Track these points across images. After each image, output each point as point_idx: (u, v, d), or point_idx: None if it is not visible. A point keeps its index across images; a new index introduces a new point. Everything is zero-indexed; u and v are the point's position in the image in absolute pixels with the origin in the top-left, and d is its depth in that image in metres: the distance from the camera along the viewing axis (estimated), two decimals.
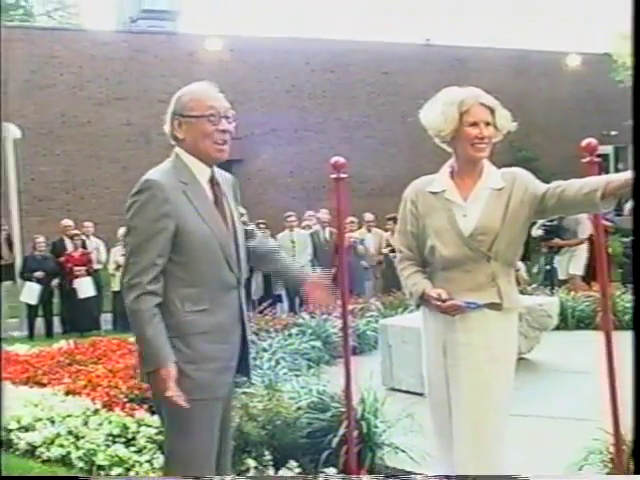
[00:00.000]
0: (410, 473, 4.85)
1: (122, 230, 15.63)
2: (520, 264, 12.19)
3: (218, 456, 3.67)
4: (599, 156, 4.42)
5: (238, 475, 4.93)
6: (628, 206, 14.12)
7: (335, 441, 5.10)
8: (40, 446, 6.19)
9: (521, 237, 3.95)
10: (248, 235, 3.88)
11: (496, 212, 3.87)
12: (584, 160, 4.26)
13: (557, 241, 13.10)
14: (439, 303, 3.79)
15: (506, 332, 3.88)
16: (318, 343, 8.48)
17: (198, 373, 3.48)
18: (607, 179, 3.65)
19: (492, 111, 3.87)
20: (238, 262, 3.58)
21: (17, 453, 6.27)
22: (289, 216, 15.60)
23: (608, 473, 4.52)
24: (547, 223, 12.57)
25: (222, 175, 3.76)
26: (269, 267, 4.08)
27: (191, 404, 3.42)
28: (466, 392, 3.83)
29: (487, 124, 3.86)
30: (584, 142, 4.27)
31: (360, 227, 15.55)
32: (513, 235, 3.89)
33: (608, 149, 27.22)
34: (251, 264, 3.91)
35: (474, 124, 3.86)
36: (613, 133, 24.05)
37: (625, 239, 15.00)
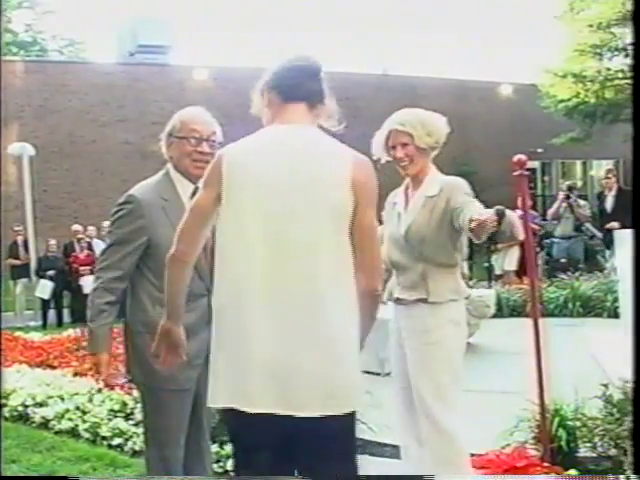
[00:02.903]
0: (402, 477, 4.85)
1: None
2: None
3: (198, 457, 3.63)
4: (528, 170, 4.45)
5: (221, 446, 4.90)
6: (550, 211, 14.21)
7: None
8: (52, 419, 6.20)
9: (450, 242, 3.83)
10: None
11: (423, 218, 3.83)
12: (515, 173, 4.28)
13: (498, 245, 13.19)
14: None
15: (439, 320, 3.79)
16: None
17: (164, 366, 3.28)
18: (478, 216, 3.41)
19: (409, 134, 3.79)
20: (210, 272, 3.04)
21: (33, 425, 6.28)
22: None
23: (534, 437, 4.55)
24: None
25: None
26: None
27: (161, 393, 3.41)
28: (413, 369, 3.84)
29: (404, 145, 3.81)
30: (515, 158, 4.27)
31: None
32: (440, 240, 3.81)
33: (536, 164, 27.40)
34: None
35: (393, 147, 3.85)
36: (539, 150, 24.20)
37: (547, 240, 15.12)
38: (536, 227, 13.59)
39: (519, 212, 4.19)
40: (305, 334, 2.51)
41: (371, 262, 2.64)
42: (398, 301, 3.94)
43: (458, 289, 3.87)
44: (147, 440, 3.60)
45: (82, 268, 14.83)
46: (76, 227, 15.77)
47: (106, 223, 12.20)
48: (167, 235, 3.27)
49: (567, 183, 15.68)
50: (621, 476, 4.08)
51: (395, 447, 4.45)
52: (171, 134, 3.54)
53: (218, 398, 2.63)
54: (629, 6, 18.70)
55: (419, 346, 3.82)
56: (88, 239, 15.59)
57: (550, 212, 14.16)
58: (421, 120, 3.83)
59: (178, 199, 3.47)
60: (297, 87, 2.71)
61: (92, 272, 14.97)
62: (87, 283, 14.76)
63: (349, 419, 2.62)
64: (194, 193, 3.27)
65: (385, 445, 4.94)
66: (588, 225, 13.61)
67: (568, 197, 13.56)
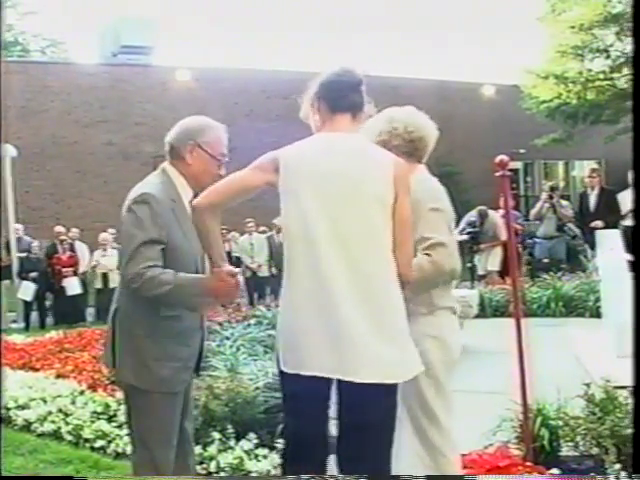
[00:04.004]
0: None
1: (103, 235, 15.56)
2: None
3: (182, 459, 3.61)
4: (510, 170, 4.45)
5: (204, 448, 4.90)
6: (533, 212, 14.26)
7: None
8: (34, 422, 6.14)
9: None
10: None
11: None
12: (497, 174, 4.28)
13: (481, 245, 13.22)
14: None
15: (415, 334, 3.33)
16: (273, 332, 8.41)
17: (162, 370, 3.37)
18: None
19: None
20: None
21: (15, 428, 6.21)
22: (248, 222, 15.63)
23: (517, 437, 4.56)
24: (470, 229, 12.68)
25: None
26: None
27: (153, 396, 3.38)
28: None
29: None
30: (497, 159, 4.27)
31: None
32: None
33: (518, 165, 27.50)
34: None
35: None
36: (522, 151, 24.28)
37: (530, 240, 15.19)
38: (518, 227, 13.65)
39: (502, 212, 4.20)
40: (361, 306, 2.89)
41: (407, 251, 3.04)
42: None
43: (432, 302, 3.61)
44: (135, 442, 3.56)
45: (65, 270, 14.83)
46: (58, 228, 15.70)
47: (98, 224, 12.21)
48: (178, 238, 3.34)
49: (549, 184, 15.77)
50: (611, 476, 4.10)
51: None
52: (200, 146, 3.50)
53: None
54: (614, 9, 18.89)
55: None
56: (71, 240, 15.53)
57: (533, 212, 14.23)
58: (385, 113, 3.72)
59: (181, 201, 3.46)
60: (343, 99, 3.12)
61: (75, 273, 14.97)
62: (70, 284, 14.75)
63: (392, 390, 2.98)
64: (195, 197, 3.30)
65: None
66: (570, 225, 13.68)
67: (551, 197, 13.63)
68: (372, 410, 2.96)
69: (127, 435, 3.76)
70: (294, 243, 3.01)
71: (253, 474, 4.69)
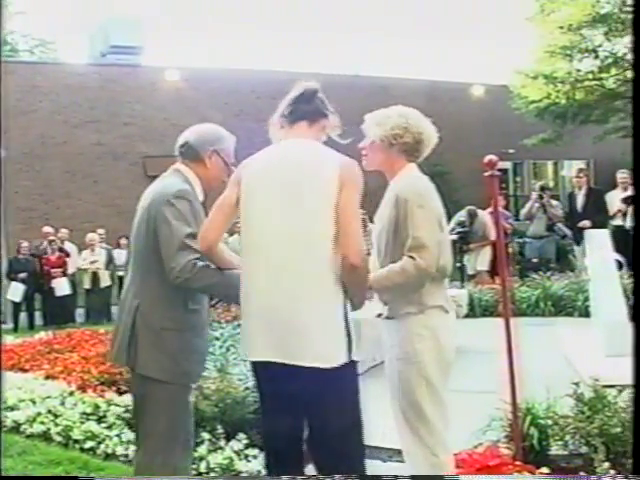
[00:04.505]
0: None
1: (90, 235, 15.52)
2: None
3: (182, 457, 3.67)
4: (500, 170, 4.46)
5: (194, 448, 4.89)
6: (523, 211, 14.28)
7: None
8: (24, 423, 6.14)
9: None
10: None
11: (379, 223, 3.73)
12: (486, 174, 4.29)
13: (471, 245, 13.22)
14: None
15: (404, 334, 3.59)
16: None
17: (185, 363, 3.51)
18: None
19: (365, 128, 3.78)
20: None
21: (4, 429, 6.14)
22: (237, 223, 15.60)
23: (506, 436, 4.57)
24: (459, 229, 12.69)
25: None
26: None
27: (175, 389, 3.50)
28: (389, 384, 3.71)
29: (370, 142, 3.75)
30: (486, 159, 4.28)
31: None
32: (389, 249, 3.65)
33: (507, 164, 27.55)
34: None
35: None
36: (511, 151, 24.32)
37: (520, 240, 15.22)
38: (508, 226, 13.68)
39: (490, 210, 4.21)
40: (298, 293, 3.12)
41: (355, 242, 3.12)
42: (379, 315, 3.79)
43: (421, 301, 3.59)
44: (149, 437, 3.59)
45: (53, 270, 14.81)
46: (47, 229, 15.68)
47: (90, 225, 12.15)
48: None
49: (540, 183, 15.78)
50: (604, 476, 4.11)
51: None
52: (218, 153, 3.69)
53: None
54: (602, 9, 18.94)
55: (392, 361, 3.68)
56: (60, 241, 15.50)
57: (523, 212, 14.25)
58: (374, 113, 3.77)
59: (198, 201, 3.63)
60: (297, 110, 3.40)
61: (64, 274, 14.94)
62: (59, 285, 14.72)
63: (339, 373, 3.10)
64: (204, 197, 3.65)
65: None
66: (560, 225, 13.71)
67: (541, 197, 13.65)
68: (314, 394, 3.14)
69: (134, 432, 3.76)
70: (248, 243, 3.36)
71: (243, 474, 4.69)
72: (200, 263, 3.35)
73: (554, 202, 13.89)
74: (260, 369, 3.28)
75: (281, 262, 3.16)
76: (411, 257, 3.43)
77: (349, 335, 3.16)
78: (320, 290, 3.14)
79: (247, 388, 5.46)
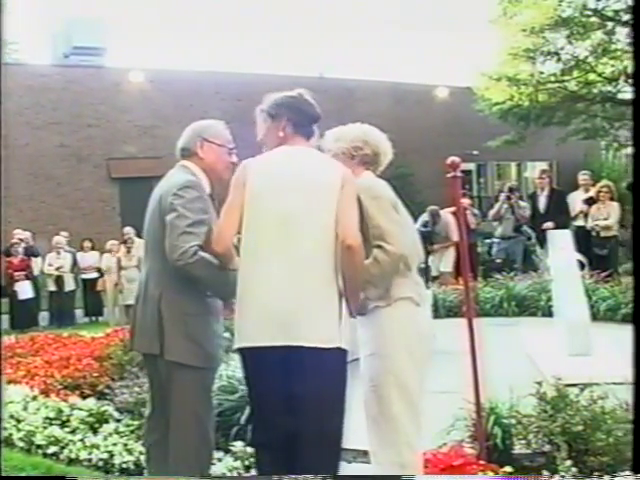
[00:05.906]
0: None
1: (57, 238, 15.39)
2: None
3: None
4: (463, 172, 4.49)
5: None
6: (492, 212, 14.36)
7: (243, 418, 5.06)
8: None
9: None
10: None
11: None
12: (449, 175, 4.32)
13: (434, 246, 13.26)
14: None
15: (371, 330, 3.67)
16: (228, 334, 8.36)
17: (209, 346, 3.75)
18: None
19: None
20: None
21: None
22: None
23: (470, 436, 4.61)
24: (422, 229, 12.73)
25: None
26: None
27: (201, 372, 3.74)
28: (362, 381, 3.73)
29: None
30: (448, 160, 4.32)
31: None
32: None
33: (471, 166, 27.74)
34: None
35: None
36: (475, 152, 24.48)
37: (487, 240, 15.31)
38: (472, 220, 13.75)
39: (453, 210, 4.24)
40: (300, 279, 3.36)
41: (350, 225, 3.42)
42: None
43: (389, 294, 3.65)
44: (177, 419, 3.74)
45: (17, 273, 14.66)
46: (17, 232, 15.53)
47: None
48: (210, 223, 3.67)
49: (508, 184, 15.84)
50: (566, 474, 4.16)
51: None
52: (206, 139, 3.94)
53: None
54: (564, 12, 19.13)
55: (364, 357, 3.72)
56: (25, 244, 15.33)
57: (491, 213, 14.30)
58: (333, 130, 3.98)
59: (205, 192, 3.82)
60: (305, 127, 3.73)
61: (27, 277, 14.78)
62: (21, 288, 14.55)
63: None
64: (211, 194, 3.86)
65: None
66: (525, 227, 13.81)
67: (509, 198, 13.72)
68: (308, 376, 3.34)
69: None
70: (251, 239, 3.49)
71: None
72: (200, 253, 3.51)
73: (522, 203, 13.98)
74: (254, 357, 3.44)
75: (285, 257, 3.39)
76: (378, 246, 3.57)
77: (341, 320, 3.40)
78: (321, 276, 3.39)
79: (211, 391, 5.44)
